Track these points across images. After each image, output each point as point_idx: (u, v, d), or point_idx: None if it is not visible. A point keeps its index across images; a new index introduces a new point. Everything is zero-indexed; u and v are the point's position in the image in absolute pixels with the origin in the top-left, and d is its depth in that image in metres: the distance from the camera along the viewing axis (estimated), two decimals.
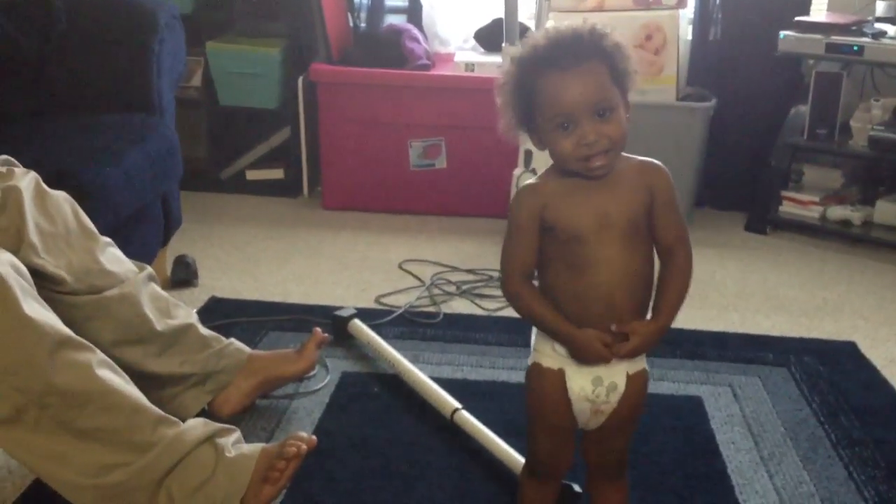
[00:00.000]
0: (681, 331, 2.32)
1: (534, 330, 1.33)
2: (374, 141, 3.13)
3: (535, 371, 1.31)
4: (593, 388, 1.28)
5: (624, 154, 1.27)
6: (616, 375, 1.29)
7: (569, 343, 1.26)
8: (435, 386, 1.89)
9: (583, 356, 1.26)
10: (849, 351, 2.27)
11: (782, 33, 2.95)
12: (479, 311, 2.43)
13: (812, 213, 3.07)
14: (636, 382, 1.31)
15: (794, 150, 3.12)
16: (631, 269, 1.25)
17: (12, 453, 1.41)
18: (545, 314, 1.27)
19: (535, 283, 1.30)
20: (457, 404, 1.82)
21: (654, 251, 1.29)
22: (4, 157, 1.66)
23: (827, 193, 3.12)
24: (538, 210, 1.25)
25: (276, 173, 3.40)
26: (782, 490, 1.70)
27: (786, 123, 3.11)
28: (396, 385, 1.98)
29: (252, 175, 3.41)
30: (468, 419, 1.78)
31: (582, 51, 1.19)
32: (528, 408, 1.34)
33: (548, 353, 1.30)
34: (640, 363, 1.31)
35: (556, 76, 1.19)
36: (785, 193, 3.12)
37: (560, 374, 1.29)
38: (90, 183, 1.87)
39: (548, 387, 1.30)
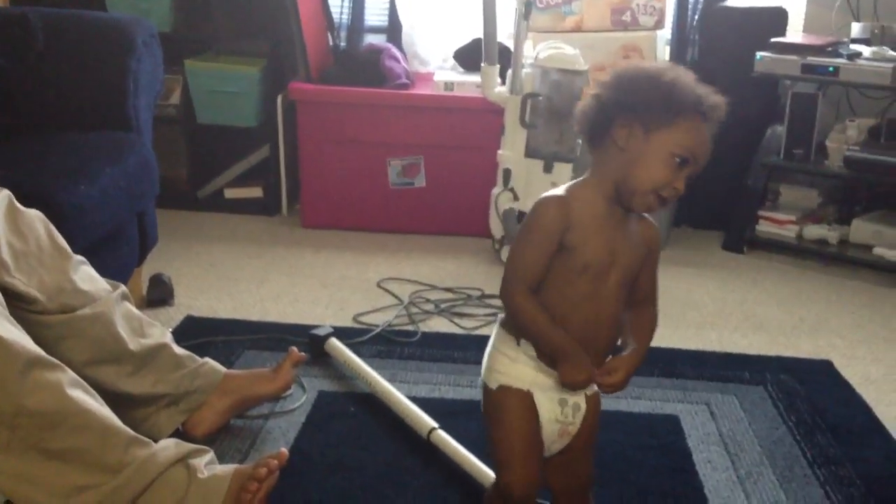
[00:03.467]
0: (658, 349, 2.32)
1: (487, 352, 1.33)
2: (353, 159, 3.13)
3: (502, 394, 1.30)
4: (561, 409, 1.31)
5: None
6: (577, 396, 1.32)
7: (565, 355, 1.23)
8: (412, 405, 1.89)
9: (570, 373, 1.24)
10: (825, 369, 2.28)
11: (759, 54, 2.98)
12: (457, 330, 2.43)
13: (789, 232, 3.10)
14: (593, 403, 1.35)
15: (770, 170, 3.15)
16: (618, 311, 1.29)
17: None
18: (543, 323, 1.23)
19: None
20: (434, 423, 1.81)
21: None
22: None
23: (803, 213, 3.15)
24: (562, 227, 1.21)
25: (255, 191, 3.39)
26: None
27: (762, 143, 3.14)
28: (373, 404, 1.97)
29: (230, 193, 3.40)
30: (445, 438, 1.77)
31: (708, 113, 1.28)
32: (496, 433, 1.31)
33: (515, 376, 1.29)
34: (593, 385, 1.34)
35: (700, 120, 1.27)
36: (762, 213, 3.14)
37: (529, 396, 1.29)
38: (65, 202, 1.85)
39: (519, 408, 1.29)
